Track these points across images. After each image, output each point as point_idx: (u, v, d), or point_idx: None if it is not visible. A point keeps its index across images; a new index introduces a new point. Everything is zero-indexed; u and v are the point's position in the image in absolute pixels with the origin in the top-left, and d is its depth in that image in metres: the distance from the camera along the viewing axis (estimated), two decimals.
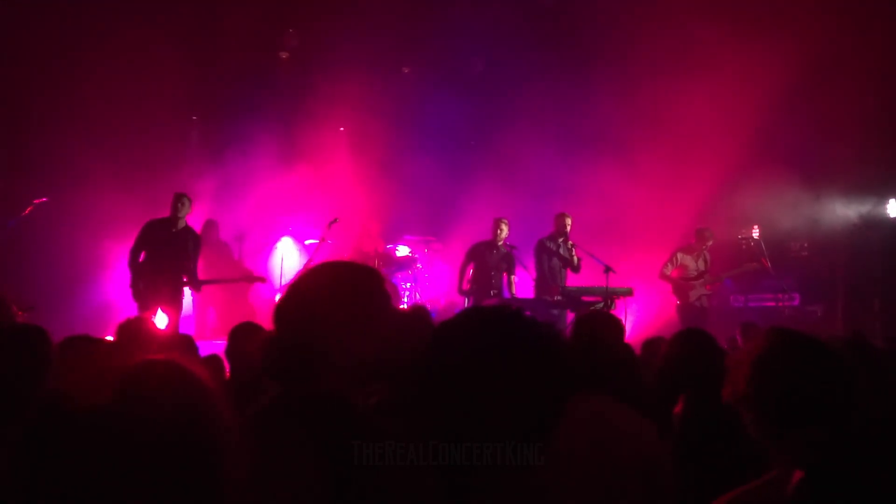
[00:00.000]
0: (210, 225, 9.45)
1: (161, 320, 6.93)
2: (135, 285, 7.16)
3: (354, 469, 1.52)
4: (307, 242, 9.69)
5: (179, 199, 7.39)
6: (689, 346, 3.11)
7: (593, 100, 10.33)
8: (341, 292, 1.69)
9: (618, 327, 2.63)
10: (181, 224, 7.37)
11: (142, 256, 7.24)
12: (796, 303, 9.76)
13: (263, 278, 8.16)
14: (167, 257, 7.19)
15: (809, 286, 9.95)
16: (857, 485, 1.55)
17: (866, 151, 9.15)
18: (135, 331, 3.50)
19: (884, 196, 9.66)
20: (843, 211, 9.83)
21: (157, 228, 7.31)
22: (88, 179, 9.21)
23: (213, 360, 4.39)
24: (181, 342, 4.09)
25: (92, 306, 8.85)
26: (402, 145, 10.64)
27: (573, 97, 10.73)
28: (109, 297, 9.01)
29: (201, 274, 7.53)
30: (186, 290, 7.54)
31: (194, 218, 9.66)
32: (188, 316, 9.41)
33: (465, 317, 1.32)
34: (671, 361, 3.13)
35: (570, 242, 8.26)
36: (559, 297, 7.92)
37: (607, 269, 7.78)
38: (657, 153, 9.80)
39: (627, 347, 3.11)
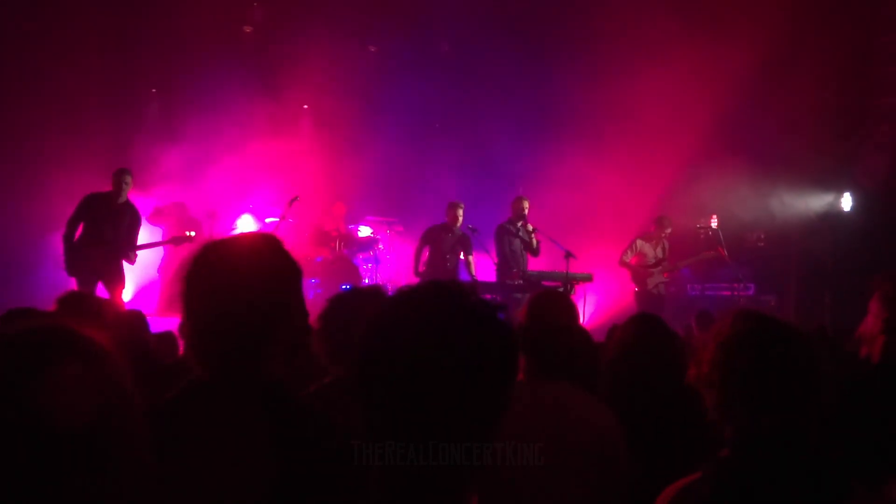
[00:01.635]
0: (180, 205, 9.25)
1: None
2: (68, 259, 6.93)
3: (291, 451, 1.48)
4: (267, 220, 9.56)
5: (122, 174, 7.15)
6: (642, 331, 3.11)
7: (558, 86, 10.33)
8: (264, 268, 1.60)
9: (570, 307, 2.59)
10: (122, 199, 7.17)
11: (79, 230, 7.03)
12: (751, 293, 9.88)
13: (190, 237, 7.90)
14: (106, 231, 6.98)
15: (764, 277, 10.09)
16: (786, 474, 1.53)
17: (822, 145, 9.27)
18: (77, 304, 3.37)
19: (838, 190, 9.82)
20: (799, 204, 9.99)
21: (96, 202, 7.09)
22: (44, 152, 8.96)
23: (166, 336, 4.31)
24: (130, 317, 3.99)
25: (50, 281, 8.63)
26: (367, 125, 10.53)
27: (538, 82, 10.74)
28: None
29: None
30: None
31: (152, 195, 9.52)
32: (150, 291, 9.28)
33: (398, 301, 1.18)
34: (625, 346, 3.11)
35: (529, 226, 8.29)
36: (520, 281, 7.94)
37: (568, 255, 7.83)
38: (620, 141, 9.84)
39: (583, 331, 3.09)
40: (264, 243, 1.65)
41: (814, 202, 9.92)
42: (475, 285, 8.05)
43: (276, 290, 1.59)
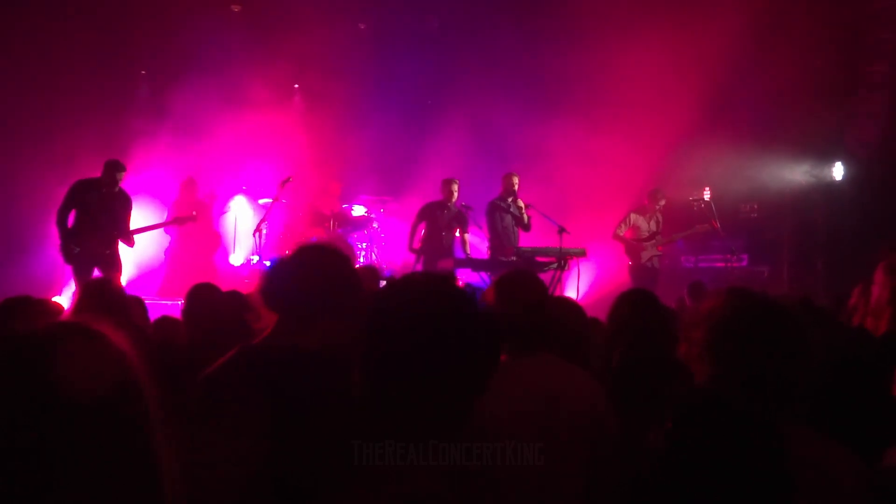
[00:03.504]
0: (190, 183, 9.28)
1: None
2: (66, 247, 6.92)
3: (300, 424, 1.65)
4: (261, 202, 9.53)
5: (115, 170, 7.10)
6: (632, 305, 3.22)
7: (549, 61, 10.25)
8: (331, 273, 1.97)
9: (537, 282, 2.64)
10: (114, 187, 7.14)
11: (71, 218, 7.02)
12: (744, 264, 9.96)
13: (193, 216, 7.98)
14: (99, 217, 6.96)
15: (758, 247, 10.14)
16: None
17: (814, 114, 9.23)
18: (98, 292, 3.37)
19: (829, 159, 9.81)
20: (791, 174, 9.99)
21: (87, 188, 7.05)
22: (35, 138, 8.93)
23: (164, 322, 4.33)
24: (132, 302, 4.02)
25: (44, 267, 8.66)
26: (359, 103, 10.48)
27: (529, 57, 10.63)
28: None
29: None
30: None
31: (148, 178, 9.52)
32: (156, 274, 9.33)
33: (392, 296, 1.37)
34: (616, 320, 3.23)
35: (519, 201, 8.28)
36: (514, 258, 7.95)
37: (561, 230, 7.81)
38: (612, 115, 9.81)
39: (560, 302, 3.16)
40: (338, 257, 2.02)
41: (806, 172, 9.91)
42: (468, 262, 8.11)
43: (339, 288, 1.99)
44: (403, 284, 1.38)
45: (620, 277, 9.14)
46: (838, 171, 9.77)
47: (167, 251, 9.34)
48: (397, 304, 1.32)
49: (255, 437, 1.65)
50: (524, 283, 2.61)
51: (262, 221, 8.15)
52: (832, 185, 9.78)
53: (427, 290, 1.34)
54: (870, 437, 2.00)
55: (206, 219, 9.11)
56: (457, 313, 1.30)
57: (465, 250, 8.50)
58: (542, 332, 2.49)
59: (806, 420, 1.69)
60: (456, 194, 8.44)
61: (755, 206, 10.48)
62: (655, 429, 1.55)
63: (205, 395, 1.77)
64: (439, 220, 8.36)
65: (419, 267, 8.33)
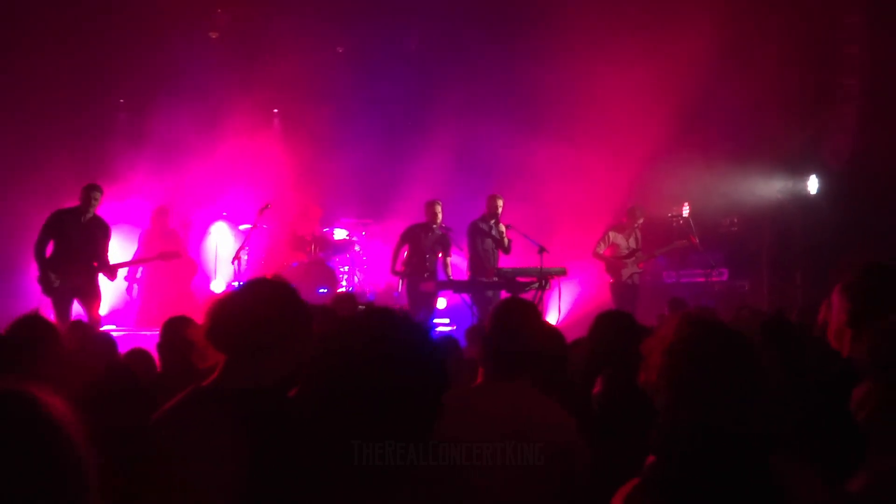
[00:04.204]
0: (161, 212, 9.14)
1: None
2: (44, 278, 6.86)
3: (272, 457, 1.64)
4: (241, 228, 9.51)
5: (91, 190, 7.07)
6: (610, 328, 3.22)
7: (527, 78, 10.32)
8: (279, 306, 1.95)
9: (532, 312, 2.67)
10: (90, 214, 7.09)
11: (49, 247, 6.96)
12: (725, 278, 9.99)
13: (178, 253, 7.96)
14: (78, 247, 6.90)
15: (738, 261, 10.19)
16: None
17: (788, 127, 9.34)
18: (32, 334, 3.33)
19: (804, 172, 9.91)
20: (767, 188, 10.07)
21: (65, 218, 7.01)
22: (13, 165, 8.90)
23: (137, 354, 4.30)
24: (99, 341, 4.00)
25: (23, 299, 8.58)
26: (338, 126, 10.50)
27: (507, 75, 10.72)
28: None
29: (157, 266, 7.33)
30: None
31: (128, 206, 9.49)
32: (130, 305, 9.25)
33: (345, 328, 1.42)
34: (595, 345, 3.23)
35: (501, 225, 8.33)
36: (494, 279, 8.00)
37: (541, 250, 7.88)
38: (592, 132, 9.88)
39: (551, 333, 3.19)
40: (284, 291, 1.99)
41: (782, 185, 10.01)
42: (450, 284, 8.15)
43: (289, 326, 1.96)
44: (347, 327, 1.41)
45: (602, 295, 9.18)
46: (813, 184, 9.88)
47: (141, 281, 9.19)
48: (339, 347, 1.36)
49: (207, 486, 1.64)
50: (518, 310, 2.64)
51: (241, 248, 8.13)
52: (808, 199, 9.90)
53: (371, 333, 1.38)
54: (834, 463, 2.02)
55: (180, 248, 8.96)
56: (398, 361, 1.34)
57: (447, 273, 8.49)
58: (520, 359, 2.50)
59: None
60: (440, 216, 8.45)
61: (734, 220, 10.55)
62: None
63: (156, 438, 1.78)
64: (423, 242, 8.36)
65: (403, 290, 8.32)
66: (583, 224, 9.81)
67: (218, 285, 9.68)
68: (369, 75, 10.72)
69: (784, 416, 2.06)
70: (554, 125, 10.21)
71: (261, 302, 1.92)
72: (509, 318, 2.57)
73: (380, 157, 10.74)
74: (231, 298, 1.96)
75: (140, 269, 9.11)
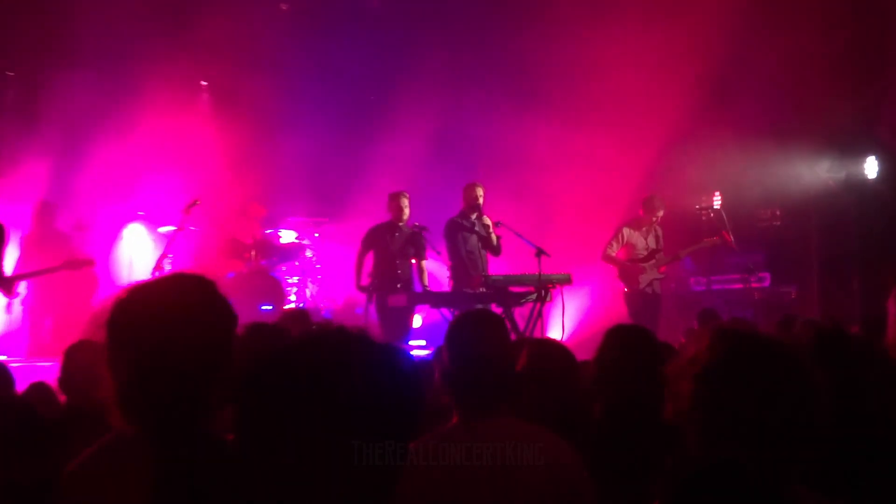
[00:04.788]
0: (45, 210, 8.93)
1: None
2: None
3: None
4: (162, 230, 9.47)
5: None
6: (620, 345, 3.28)
7: (520, 48, 10.40)
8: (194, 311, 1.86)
9: (496, 329, 2.69)
10: None
11: None
12: (766, 283, 10.08)
13: (91, 261, 7.83)
14: None
15: (781, 263, 10.31)
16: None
17: (836, 100, 9.39)
18: None
19: (859, 153, 10.02)
20: (815, 173, 10.17)
21: None
22: None
23: (37, 389, 4.23)
24: None
25: None
26: (283, 103, 10.50)
27: (498, 43, 10.78)
28: None
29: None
30: None
31: (15, 203, 9.33)
32: (19, 330, 9.08)
33: (284, 356, 1.38)
34: (602, 366, 3.28)
35: (485, 218, 8.32)
36: (482, 289, 7.97)
37: (539, 252, 7.80)
38: (598, 112, 9.95)
39: (544, 352, 3.28)
40: (197, 288, 1.89)
41: (832, 169, 10.12)
42: (426, 297, 8.13)
43: (210, 340, 1.84)
44: (291, 354, 1.37)
45: (616, 307, 9.22)
46: (871, 167, 9.99)
47: (25, 301, 8.86)
48: (280, 381, 1.32)
49: None
50: (479, 328, 2.66)
51: (164, 255, 7.99)
52: (865, 184, 10.01)
53: (322, 361, 1.33)
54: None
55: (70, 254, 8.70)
56: (359, 399, 1.30)
57: (422, 281, 8.48)
58: (501, 389, 2.53)
59: (817, 482, 1.76)
60: (407, 211, 8.44)
61: (776, 213, 10.68)
62: None
63: (70, 495, 1.77)
64: (389, 245, 8.35)
65: (372, 308, 8.29)
66: (591, 221, 9.85)
67: None
68: (322, 39, 10.70)
69: (837, 455, 2.10)
70: (553, 101, 10.24)
71: (171, 314, 1.80)
72: (466, 337, 2.61)
73: (337, 141, 10.76)
74: (133, 311, 1.82)
75: (24, 283, 8.88)
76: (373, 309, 8.30)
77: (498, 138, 10.59)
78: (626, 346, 3.26)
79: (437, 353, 4.55)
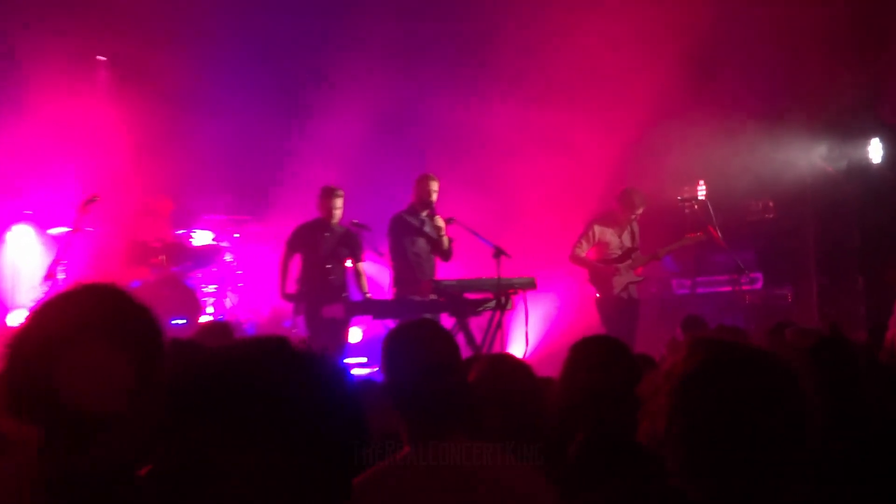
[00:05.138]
0: None
1: None
2: None
3: None
4: (55, 232, 9.32)
5: None
6: (589, 361, 3.32)
7: (475, 14, 10.45)
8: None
9: (439, 339, 2.78)
10: None
11: None
12: (759, 285, 10.25)
13: None
14: None
15: (776, 261, 10.46)
16: None
17: (834, 76, 9.49)
18: None
19: (860, 135, 10.11)
20: (812, 158, 10.28)
21: None
22: None
23: None
24: None
25: None
26: (197, 80, 10.37)
27: (447, 10, 10.84)
28: None
29: None
30: None
31: None
32: None
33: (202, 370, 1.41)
34: (570, 386, 3.32)
35: (438, 218, 8.30)
36: (433, 296, 7.96)
37: (498, 253, 7.85)
38: (565, 90, 9.99)
39: (500, 367, 3.33)
40: (109, 300, 1.88)
41: (830, 154, 10.22)
42: (366, 306, 8.08)
43: (138, 367, 1.83)
44: (213, 371, 1.40)
45: (587, 316, 9.23)
46: (875, 150, 10.10)
47: None
48: (202, 401, 1.35)
49: None
50: (421, 339, 2.74)
51: (56, 261, 7.98)
52: (868, 171, 10.12)
53: (251, 377, 1.35)
54: None
55: None
56: (294, 420, 1.33)
57: (360, 287, 8.49)
58: (453, 408, 2.62)
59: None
60: (338, 212, 8.40)
61: (768, 205, 10.81)
62: None
63: None
64: (319, 247, 8.35)
65: (300, 320, 8.29)
66: (558, 215, 9.88)
67: (18, 318, 9.38)
68: (245, 3, 10.63)
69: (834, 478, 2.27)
70: (517, 78, 10.32)
71: (82, 332, 1.80)
72: (402, 349, 2.71)
73: (262, 125, 10.68)
74: (32, 332, 1.83)
75: None
76: (301, 321, 8.30)
77: (452, 120, 10.59)
78: (596, 361, 3.29)
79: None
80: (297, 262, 8.46)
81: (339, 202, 8.43)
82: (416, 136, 10.98)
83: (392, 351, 2.72)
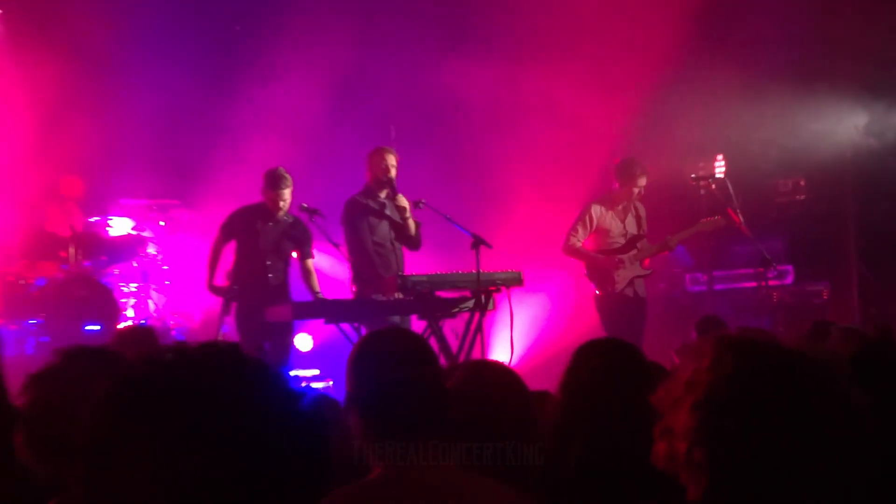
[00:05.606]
0: None
1: None
2: None
3: None
4: None
5: None
6: (596, 369, 3.32)
7: None
8: None
9: (412, 345, 2.86)
10: None
11: None
12: (789, 280, 10.26)
13: None
14: None
15: (809, 251, 10.49)
16: None
17: (879, 30, 9.50)
18: None
19: None
20: (849, 127, 10.30)
21: None
22: None
23: None
24: None
25: None
26: (114, 38, 10.32)
27: None
28: None
29: None
30: None
31: None
32: None
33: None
34: (572, 399, 3.33)
35: (401, 198, 8.29)
36: (399, 295, 7.91)
37: (477, 243, 7.83)
38: (554, 48, 10.05)
39: (485, 376, 3.35)
40: None
41: (873, 124, 10.26)
42: (319, 307, 8.03)
43: None
44: (136, 384, 1.38)
45: (585, 318, 9.26)
46: None
47: None
48: (123, 421, 1.34)
49: None
50: (391, 350, 2.79)
51: None
52: None
53: (187, 391, 1.35)
54: None
55: None
56: (238, 443, 1.33)
57: (311, 286, 8.46)
58: (430, 425, 2.64)
59: None
60: (288, 198, 8.33)
61: (800, 184, 10.84)
62: None
63: None
64: (259, 237, 8.35)
65: (229, 319, 8.25)
66: (549, 198, 9.90)
67: None
68: None
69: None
70: (496, 36, 10.37)
71: None
72: (372, 365, 2.76)
73: (192, 92, 10.66)
74: None
75: None
76: (230, 322, 8.24)
77: (420, 87, 10.67)
78: (605, 367, 3.31)
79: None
80: (230, 252, 8.42)
81: (286, 193, 8.31)
82: (378, 104, 10.98)
83: (360, 368, 2.76)
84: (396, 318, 8.01)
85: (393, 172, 8.29)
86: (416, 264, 8.55)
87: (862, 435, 1.73)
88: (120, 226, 10.00)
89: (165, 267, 10.21)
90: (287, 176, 8.32)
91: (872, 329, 5.73)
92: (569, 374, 3.32)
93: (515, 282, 8.05)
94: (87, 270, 9.42)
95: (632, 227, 9.08)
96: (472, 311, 7.87)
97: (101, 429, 1.33)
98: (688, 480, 1.78)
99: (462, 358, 7.58)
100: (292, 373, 8.71)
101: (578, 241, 8.99)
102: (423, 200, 8.29)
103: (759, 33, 10.07)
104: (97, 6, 10.28)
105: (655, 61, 9.71)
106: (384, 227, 8.35)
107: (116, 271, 9.81)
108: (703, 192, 9.62)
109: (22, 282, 9.11)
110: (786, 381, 1.73)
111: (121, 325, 8.89)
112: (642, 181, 8.95)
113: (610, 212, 9.03)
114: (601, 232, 9.01)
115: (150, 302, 9.83)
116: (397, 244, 8.41)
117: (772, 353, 1.78)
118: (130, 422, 1.32)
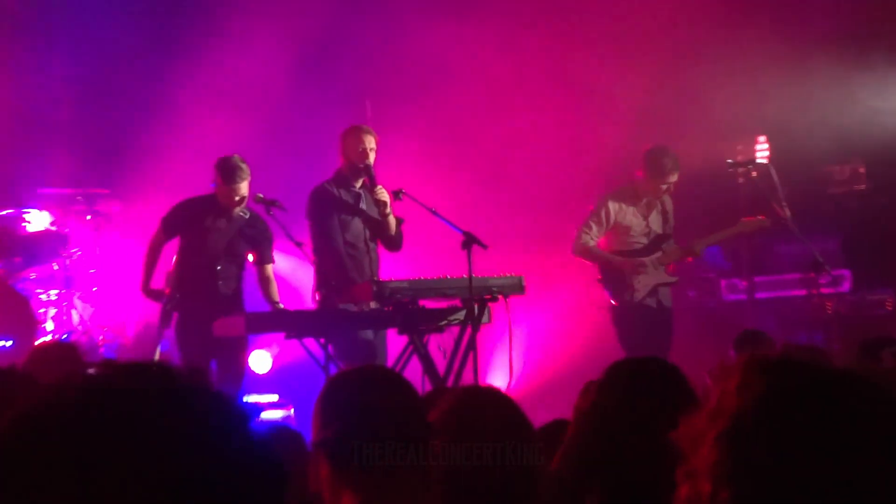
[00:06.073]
0: None
1: None
2: None
3: None
4: None
5: None
6: (634, 398, 3.31)
7: None
8: None
9: (388, 383, 3.03)
10: None
11: None
12: (846, 287, 10.28)
13: None
14: None
15: (869, 253, 10.54)
16: None
17: None
18: None
19: None
20: None
21: None
22: None
23: None
24: None
25: None
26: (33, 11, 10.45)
27: None
28: None
29: None
30: None
31: None
32: None
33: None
34: (591, 435, 3.32)
35: (380, 190, 8.28)
36: (374, 304, 7.99)
37: (470, 241, 7.83)
38: (564, 11, 10.21)
39: (480, 408, 3.38)
40: None
41: None
42: (276, 319, 8.08)
43: None
44: (49, 407, 1.39)
45: (599, 333, 9.30)
46: None
47: None
48: (38, 459, 1.34)
49: None
50: (373, 387, 2.97)
51: None
52: None
53: (119, 424, 1.35)
54: None
55: None
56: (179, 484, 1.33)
57: (269, 295, 8.50)
58: (411, 469, 2.79)
59: None
60: (243, 191, 8.29)
61: (858, 172, 10.88)
62: None
63: None
64: (208, 237, 8.39)
65: (169, 333, 8.29)
66: (556, 189, 10.00)
67: None
68: None
69: None
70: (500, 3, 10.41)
71: None
72: (346, 410, 2.91)
73: (125, 61, 10.74)
74: None
75: None
76: (170, 337, 8.25)
77: (405, 53, 10.75)
78: (645, 390, 3.30)
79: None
80: (172, 252, 8.40)
81: (243, 186, 8.27)
82: (354, 75, 11.06)
83: (332, 412, 2.90)
84: (369, 334, 8.08)
85: (371, 157, 8.25)
86: (395, 267, 8.63)
87: None
88: (37, 220, 10.03)
89: (92, 270, 10.29)
90: (244, 166, 8.25)
91: None
92: (599, 397, 3.33)
93: (515, 289, 8.07)
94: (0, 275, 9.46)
95: (656, 226, 9.11)
96: (462, 324, 7.86)
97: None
98: None
99: (450, 381, 7.55)
100: (245, 399, 8.70)
101: (592, 239, 9.01)
102: (403, 190, 8.26)
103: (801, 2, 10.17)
104: None
105: (684, 25, 9.82)
106: (358, 224, 8.36)
107: (33, 275, 9.87)
108: (741, 181, 9.73)
109: None
110: (826, 405, 1.69)
111: (38, 341, 8.88)
112: (673, 177, 8.97)
113: (631, 207, 9.06)
114: (620, 229, 9.05)
115: (73, 312, 9.87)
116: (372, 244, 8.40)
117: (811, 373, 1.74)
118: (35, 465, 1.33)
